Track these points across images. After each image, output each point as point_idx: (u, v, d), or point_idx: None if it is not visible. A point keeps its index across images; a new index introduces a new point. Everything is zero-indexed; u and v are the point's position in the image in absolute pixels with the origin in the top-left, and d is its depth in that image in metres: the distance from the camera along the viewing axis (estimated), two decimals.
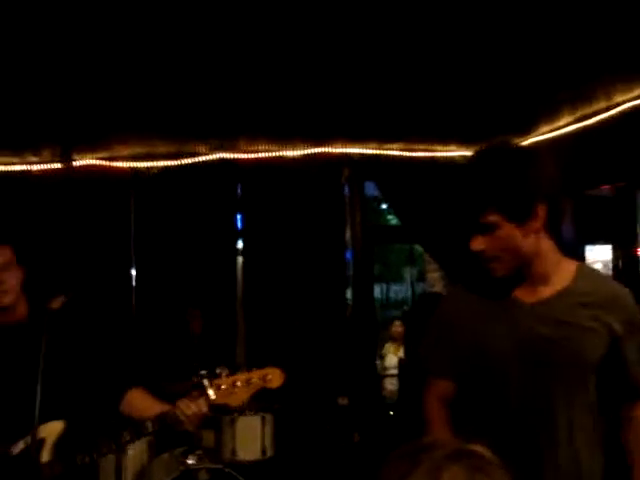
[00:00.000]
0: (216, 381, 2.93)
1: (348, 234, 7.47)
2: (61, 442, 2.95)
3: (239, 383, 2.93)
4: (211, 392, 2.91)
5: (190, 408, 2.89)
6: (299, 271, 7.18)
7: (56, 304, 2.99)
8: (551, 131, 6.21)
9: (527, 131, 6.45)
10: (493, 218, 2.19)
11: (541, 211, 2.19)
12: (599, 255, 8.85)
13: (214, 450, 5.28)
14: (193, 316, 6.44)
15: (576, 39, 4.70)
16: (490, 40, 4.83)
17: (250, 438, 5.32)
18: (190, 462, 4.96)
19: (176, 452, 5.10)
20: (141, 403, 3.13)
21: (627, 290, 2.34)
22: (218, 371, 2.96)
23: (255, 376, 2.94)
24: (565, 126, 6.04)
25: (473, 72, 5.31)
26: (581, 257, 7.90)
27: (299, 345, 6.68)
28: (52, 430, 2.95)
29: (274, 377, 2.97)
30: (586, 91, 5.52)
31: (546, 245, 2.27)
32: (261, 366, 2.99)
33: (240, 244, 7.30)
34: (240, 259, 7.28)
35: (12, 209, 6.40)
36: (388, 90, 5.61)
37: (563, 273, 2.31)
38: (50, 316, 3.00)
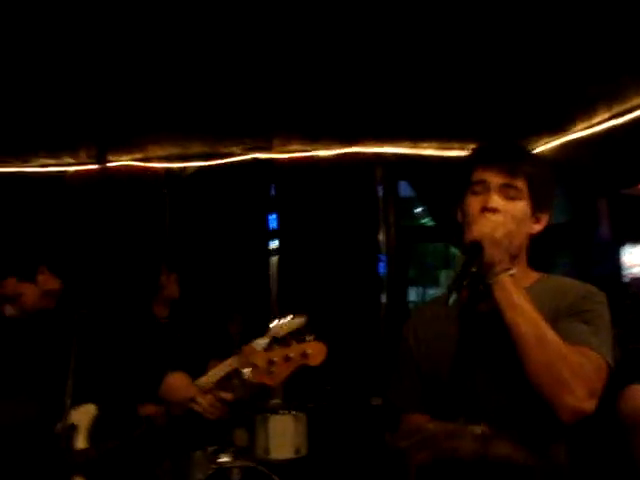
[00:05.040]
0: (251, 358, 2.74)
1: (382, 235, 7.45)
2: (96, 427, 2.92)
3: (276, 359, 2.72)
4: (246, 371, 2.72)
5: (205, 400, 2.83)
6: (333, 272, 7.17)
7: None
8: (586, 128, 6.14)
9: (562, 129, 6.39)
10: (521, 185, 2.12)
11: (544, 220, 2.20)
12: (639, 258, 8.72)
13: (247, 449, 5.27)
14: (233, 320, 6.42)
15: (610, 34, 4.65)
16: (524, 37, 4.80)
17: (283, 437, 5.31)
18: (223, 460, 4.96)
19: (209, 450, 5.11)
20: (178, 387, 3.07)
21: (590, 288, 2.20)
22: (254, 345, 2.76)
23: (294, 352, 2.71)
24: (600, 123, 5.96)
25: (508, 70, 5.27)
26: (617, 258, 7.81)
27: (333, 347, 6.67)
28: (84, 415, 2.93)
29: (315, 352, 2.73)
30: (621, 87, 5.45)
31: (525, 256, 2.21)
32: (300, 340, 2.76)
33: (275, 244, 7.32)
34: (275, 259, 7.29)
35: (48, 210, 6.49)
36: (422, 89, 5.59)
37: (523, 281, 2.13)
38: (82, 301, 3.02)
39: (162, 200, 7.14)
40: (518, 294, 1.98)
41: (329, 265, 7.17)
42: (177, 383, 3.12)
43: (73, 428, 2.90)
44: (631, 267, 8.71)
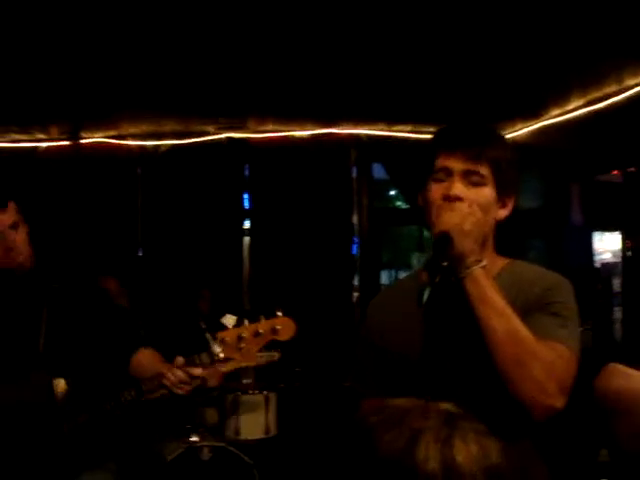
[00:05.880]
0: (221, 334, 2.74)
1: (355, 217, 7.46)
2: (66, 401, 2.93)
3: (246, 335, 2.71)
4: (216, 347, 2.72)
5: (175, 375, 2.81)
6: (306, 253, 7.18)
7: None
8: (561, 115, 6.17)
9: (537, 115, 6.41)
10: (484, 171, 2.05)
11: (510, 204, 2.14)
12: (608, 244, 8.81)
13: (217, 428, 5.28)
14: (202, 296, 6.42)
15: (586, 22, 4.66)
16: (500, 22, 4.80)
17: (254, 417, 5.31)
18: (193, 440, 4.96)
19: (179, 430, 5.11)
20: (147, 364, 3.06)
21: (557, 278, 2.10)
22: (225, 322, 2.77)
23: (263, 327, 2.71)
24: (575, 110, 5.99)
25: (483, 55, 5.27)
26: (589, 244, 7.87)
27: (306, 329, 6.67)
28: (55, 388, 2.92)
29: (284, 328, 2.71)
30: (596, 74, 5.47)
31: (492, 242, 2.14)
32: (269, 315, 2.74)
33: (247, 224, 7.31)
34: (247, 239, 7.29)
35: (19, 186, 6.41)
36: (397, 71, 5.58)
37: (490, 269, 2.06)
38: (56, 274, 3.00)
39: (135, 178, 7.10)
40: (490, 288, 1.93)
41: (302, 246, 7.17)
42: (146, 359, 3.11)
43: None
44: (602, 253, 8.80)
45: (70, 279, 3.21)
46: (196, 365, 2.82)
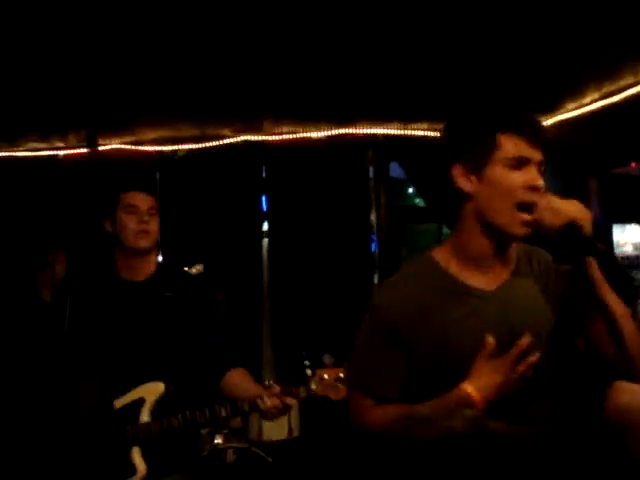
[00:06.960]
0: (320, 371, 2.95)
1: (373, 215, 7.46)
2: (160, 404, 3.06)
3: (343, 375, 2.91)
4: (314, 384, 2.95)
5: (271, 401, 2.98)
6: (324, 254, 7.18)
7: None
8: (577, 108, 6.14)
9: (553, 109, 6.38)
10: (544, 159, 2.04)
11: None
12: (629, 237, 8.77)
13: (241, 430, 5.31)
14: (219, 300, 6.43)
15: (601, 15, 4.64)
16: (515, 17, 4.79)
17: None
18: (217, 442, 4.99)
19: (203, 432, 5.13)
20: (240, 383, 3.19)
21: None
22: (325, 360, 2.97)
23: None
24: (591, 103, 5.96)
25: (498, 50, 5.26)
26: (608, 237, 7.84)
27: (326, 329, 6.69)
28: (152, 391, 3.06)
29: None
30: (612, 67, 5.44)
31: None
32: None
33: (266, 226, 7.33)
34: (266, 241, 7.31)
35: (40, 194, 6.49)
36: (413, 69, 5.58)
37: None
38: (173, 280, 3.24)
39: (154, 183, 7.13)
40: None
41: (321, 246, 7.18)
42: (239, 378, 3.24)
43: (141, 401, 3.03)
44: (623, 245, 8.76)
45: (181, 288, 3.33)
46: (292, 396, 3.03)
